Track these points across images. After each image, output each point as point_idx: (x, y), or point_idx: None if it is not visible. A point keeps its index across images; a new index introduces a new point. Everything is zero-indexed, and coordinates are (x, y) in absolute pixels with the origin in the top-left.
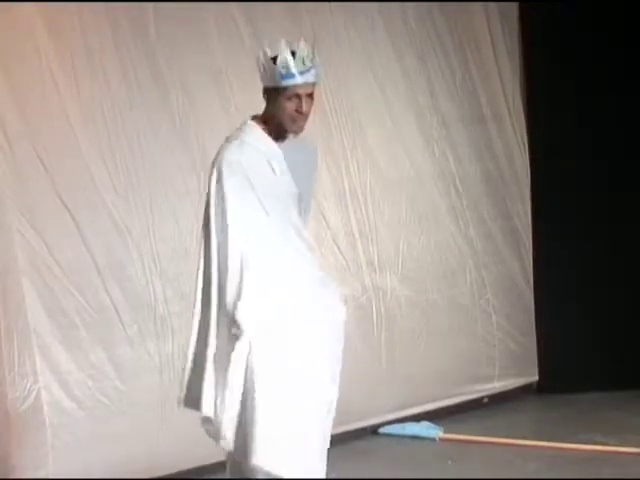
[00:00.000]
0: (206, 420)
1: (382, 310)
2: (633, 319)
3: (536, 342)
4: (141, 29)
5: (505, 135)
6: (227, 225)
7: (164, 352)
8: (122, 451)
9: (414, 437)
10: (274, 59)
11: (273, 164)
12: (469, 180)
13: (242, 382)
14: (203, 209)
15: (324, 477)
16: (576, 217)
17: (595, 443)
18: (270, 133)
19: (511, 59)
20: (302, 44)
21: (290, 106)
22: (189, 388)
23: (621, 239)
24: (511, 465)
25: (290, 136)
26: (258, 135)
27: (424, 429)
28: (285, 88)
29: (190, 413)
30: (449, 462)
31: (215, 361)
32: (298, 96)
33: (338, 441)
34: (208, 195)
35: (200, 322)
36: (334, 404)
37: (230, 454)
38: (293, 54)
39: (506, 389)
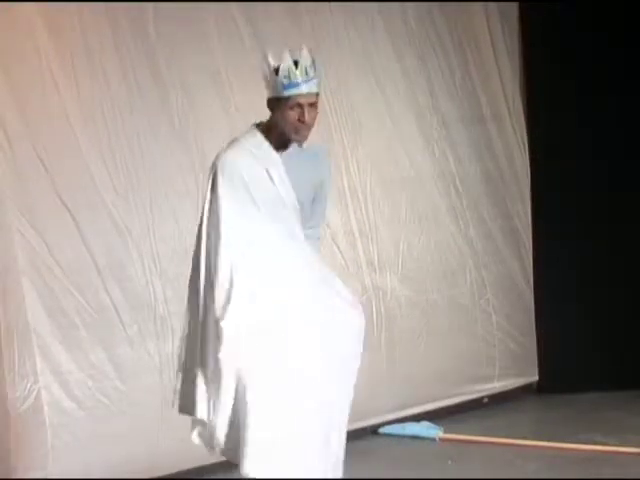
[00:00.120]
0: (200, 424)
1: (382, 310)
2: (633, 319)
3: (536, 342)
4: (141, 29)
5: (505, 135)
6: (219, 230)
7: (164, 352)
8: (122, 451)
9: (414, 437)
10: (277, 70)
11: (271, 171)
12: (469, 180)
13: (234, 386)
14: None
15: (324, 477)
16: (576, 217)
17: (595, 443)
18: (272, 141)
19: (511, 59)
20: (305, 52)
21: (293, 115)
22: (182, 394)
23: (621, 239)
24: (511, 465)
25: (294, 145)
26: (258, 142)
27: (424, 429)
28: (287, 98)
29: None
30: (449, 462)
31: (206, 366)
32: (300, 105)
33: None
34: (204, 197)
35: (190, 325)
36: (341, 405)
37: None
38: (296, 63)
39: (506, 389)
